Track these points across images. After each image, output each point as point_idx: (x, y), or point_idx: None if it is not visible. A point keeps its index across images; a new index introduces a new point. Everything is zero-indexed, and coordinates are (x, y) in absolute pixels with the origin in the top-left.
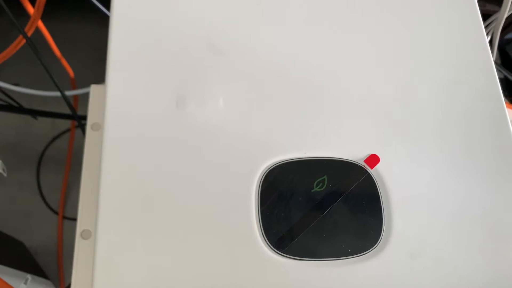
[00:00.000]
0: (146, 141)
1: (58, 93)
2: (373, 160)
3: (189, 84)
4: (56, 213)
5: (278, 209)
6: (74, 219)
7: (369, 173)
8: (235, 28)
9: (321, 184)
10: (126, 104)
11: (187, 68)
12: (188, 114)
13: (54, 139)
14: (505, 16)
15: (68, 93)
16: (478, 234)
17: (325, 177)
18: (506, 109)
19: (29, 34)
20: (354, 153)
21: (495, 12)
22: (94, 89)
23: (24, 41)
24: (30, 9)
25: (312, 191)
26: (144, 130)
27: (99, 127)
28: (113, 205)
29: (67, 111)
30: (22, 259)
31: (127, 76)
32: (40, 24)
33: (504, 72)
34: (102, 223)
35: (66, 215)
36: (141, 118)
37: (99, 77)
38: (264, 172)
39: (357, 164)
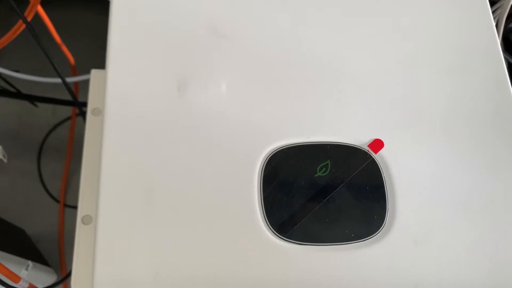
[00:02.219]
0: (147, 126)
1: (58, 80)
2: (377, 145)
3: (191, 68)
4: (57, 201)
5: (281, 194)
6: (75, 207)
7: (373, 158)
8: (238, 11)
9: (324, 168)
10: (127, 89)
11: (188, 52)
12: (190, 99)
13: (55, 127)
14: (510, 3)
15: (68, 79)
16: (482, 222)
17: (329, 161)
18: None
19: (28, 19)
20: (358, 138)
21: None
22: (94, 74)
23: (23, 26)
24: None
25: (315, 176)
26: (145, 114)
27: (99, 112)
28: (114, 190)
29: (67, 99)
30: (24, 247)
31: (128, 60)
32: (40, 9)
33: (510, 59)
34: (103, 208)
35: (67, 203)
36: (142, 102)
37: (99, 64)
38: (266, 156)
39: (361, 149)
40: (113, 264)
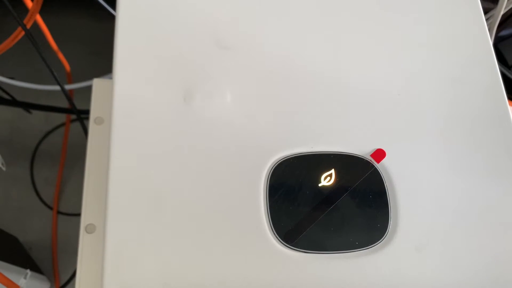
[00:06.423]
0: (154, 136)
1: (55, 87)
2: (379, 154)
3: (197, 79)
4: (50, 208)
5: (286, 203)
6: (69, 214)
7: (375, 168)
8: (242, 23)
9: (328, 178)
10: (134, 100)
11: (194, 63)
12: (196, 109)
13: (48, 133)
14: (501, 13)
15: (66, 87)
16: (483, 228)
17: (332, 171)
18: (508, 106)
19: (27, 27)
20: (360, 148)
21: (490, 9)
22: (96, 83)
23: (22, 33)
24: (29, 2)
25: (320, 185)
26: (152, 124)
27: (102, 121)
28: (122, 199)
29: (60, 105)
30: (17, 254)
31: (135, 71)
32: (38, 17)
33: (502, 69)
34: (111, 218)
35: (61, 210)
36: (149, 112)
37: (94, 71)
38: (272, 166)
39: (363, 159)
40: (122, 275)
